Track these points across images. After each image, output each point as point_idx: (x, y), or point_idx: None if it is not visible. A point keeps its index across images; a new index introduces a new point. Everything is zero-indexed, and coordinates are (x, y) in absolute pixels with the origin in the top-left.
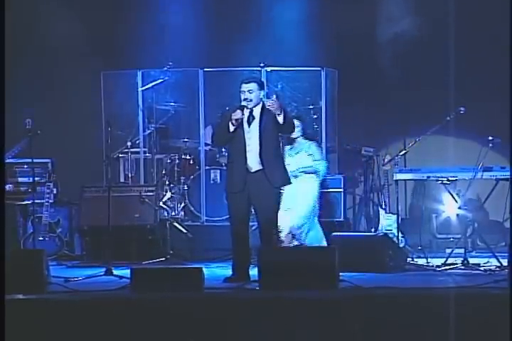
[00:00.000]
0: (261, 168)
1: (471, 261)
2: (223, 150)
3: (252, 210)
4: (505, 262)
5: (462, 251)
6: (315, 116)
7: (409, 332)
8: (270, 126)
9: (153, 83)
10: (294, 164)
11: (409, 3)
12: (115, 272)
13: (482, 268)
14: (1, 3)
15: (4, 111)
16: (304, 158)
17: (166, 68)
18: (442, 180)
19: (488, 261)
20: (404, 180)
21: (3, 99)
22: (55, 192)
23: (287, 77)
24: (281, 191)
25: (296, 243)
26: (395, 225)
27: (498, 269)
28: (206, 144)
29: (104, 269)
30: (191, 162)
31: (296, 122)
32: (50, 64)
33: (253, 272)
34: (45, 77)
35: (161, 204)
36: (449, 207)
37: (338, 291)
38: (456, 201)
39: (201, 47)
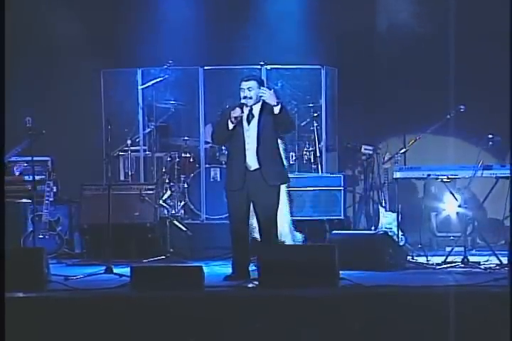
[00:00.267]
0: (258, 166)
1: (471, 259)
2: (223, 148)
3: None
4: (505, 260)
5: (462, 249)
6: (315, 115)
7: (409, 330)
8: (269, 125)
9: (153, 81)
10: None
11: (410, 1)
12: (115, 270)
13: (482, 267)
14: (1, 3)
15: (4, 111)
16: None
17: (165, 66)
18: (442, 179)
19: (488, 260)
20: (404, 178)
21: (3, 99)
22: (55, 190)
23: (287, 75)
24: (280, 189)
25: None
26: (395, 223)
27: (498, 267)
28: (206, 142)
29: (104, 267)
30: (191, 160)
31: None
32: (50, 63)
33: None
34: (45, 76)
35: (161, 202)
36: (449, 206)
37: (338, 289)
38: (456, 199)
39: (201, 46)
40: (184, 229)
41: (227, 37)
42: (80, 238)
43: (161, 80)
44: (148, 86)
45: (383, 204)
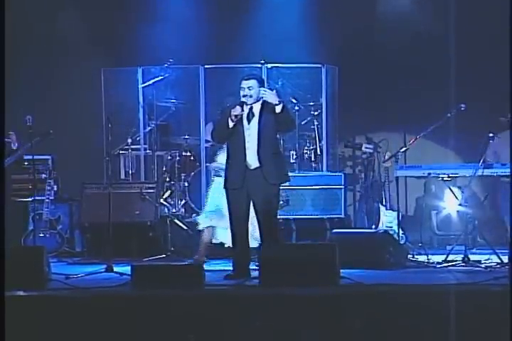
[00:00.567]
0: (259, 165)
1: (472, 257)
2: (224, 147)
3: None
4: (505, 259)
5: (463, 247)
6: (315, 113)
7: (409, 328)
8: (270, 124)
9: (154, 80)
10: None
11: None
12: (116, 269)
13: (482, 265)
14: (1, 3)
15: (4, 111)
16: None
17: (166, 65)
18: (443, 177)
19: (488, 258)
20: (405, 176)
21: (3, 98)
22: (55, 188)
23: (288, 74)
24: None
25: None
26: (396, 222)
27: (498, 266)
28: (207, 141)
29: (104, 266)
30: (192, 159)
31: None
32: (50, 62)
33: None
34: (46, 75)
35: (161, 201)
36: (450, 204)
37: (338, 288)
38: (456, 198)
39: (202, 44)
40: (185, 227)
41: (228, 35)
42: (81, 236)
43: (161, 79)
44: (149, 84)
45: (384, 203)
